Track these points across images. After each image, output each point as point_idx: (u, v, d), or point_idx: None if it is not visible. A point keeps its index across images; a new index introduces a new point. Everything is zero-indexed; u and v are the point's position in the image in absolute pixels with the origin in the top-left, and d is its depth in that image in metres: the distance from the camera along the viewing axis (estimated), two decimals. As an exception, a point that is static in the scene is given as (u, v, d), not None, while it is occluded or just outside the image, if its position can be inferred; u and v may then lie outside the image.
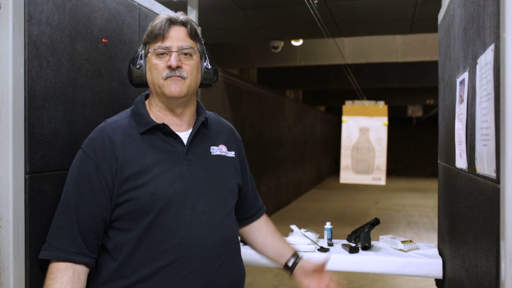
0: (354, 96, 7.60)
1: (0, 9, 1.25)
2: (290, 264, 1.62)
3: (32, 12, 1.31)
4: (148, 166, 1.34)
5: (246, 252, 2.31)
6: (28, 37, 1.30)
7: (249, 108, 7.74)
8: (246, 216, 1.66)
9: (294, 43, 6.84)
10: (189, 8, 2.75)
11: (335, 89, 11.80)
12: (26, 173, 1.30)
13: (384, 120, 5.23)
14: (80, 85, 1.52)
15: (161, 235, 1.32)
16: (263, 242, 1.68)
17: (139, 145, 1.37)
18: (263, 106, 8.56)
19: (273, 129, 9.14)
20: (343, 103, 5.42)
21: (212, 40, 6.14)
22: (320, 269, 1.59)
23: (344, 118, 5.32)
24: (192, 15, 2.73)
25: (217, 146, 1.50)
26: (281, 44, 6.58)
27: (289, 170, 10.38)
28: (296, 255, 1.64)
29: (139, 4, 1.84)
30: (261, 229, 1.69)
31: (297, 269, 1.61)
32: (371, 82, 9.17)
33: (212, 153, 1.47)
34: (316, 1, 3.90)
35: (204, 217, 1.38)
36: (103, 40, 1.62)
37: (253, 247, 1.72)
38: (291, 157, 10.65)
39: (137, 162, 1.34)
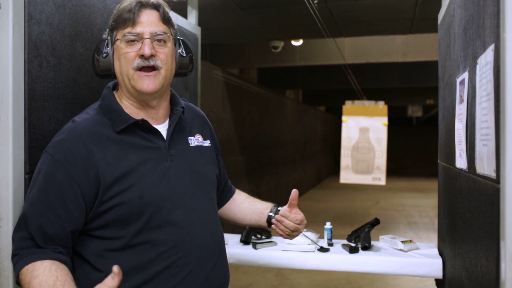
0: (354, 96, 7.60)
1: (0, 9, 1.25)
2: (271, 218, 1.54)
3: (32, 12, 1.31)
4: (131, 167, 1.24)
5: (246, 252, 2.31)
6: (28, 37, 1.30)
7: (249, 108, 7.74)
8: (219, 201, 1.61)
9: (294, 43, 6.84)
10: (189, 8, 2.74)
11: (335, 89, 11.79)
12: (26, 173, 1.30)
13: (384, 120, 5.23)
14: (80, 85, 1.52)
15: (154, 239, 1.24)
16: (240, 209, 1.64)
17: (118, 146, 1.26)
18: (263, 106, 8.56)
19: (273, 129, 9.14)
20: (343, 103, 5.42)
21: (212, 40, 6.14)
22: (293, 211, 1.51)
23: (344, 118, 5.32)
24: (192, 15, 2.73)
25: (194, 136, 1.42)
26: (281, 44, 6.58)
27: (289, 170, 10.37)
28: (275, 207, 1.57)
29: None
30: (235, 200, 1.67)
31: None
32: (371, 82, 9.17)
33: (190, 145, 1.40)
34: (316, 1, 3.90)
35: (195, 214, 1.31)
36: (103, 40, 1.62)
37: (234, 220, 1.67)
38: (291, 157, 10.64)
39: (119, 164, 1.23)
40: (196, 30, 2.60)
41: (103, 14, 1.63)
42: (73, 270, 1.25)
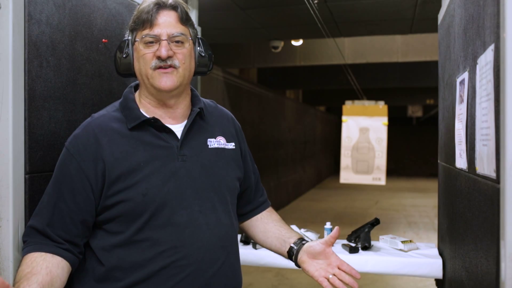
0: (354, 96, 7.60)
1: (0, 9, 1.25)
2: (293, 250, 1.41)
3: (32, 12, 1.31)
4: (138, 164, 1.25)
5: (246, 252, 2.31)
6: (28, 37, 1.30)
7: (249, 108, 7.74)
8: (245, 211, 1.54)
9: (294, 43, 6.84)
10: (189, 8, 2.75)
11: (335, 89, 11.81)
12: (26, 173, 1.30)
13: (384, 120, 5.23)
14: (80, 85, 1.52)
15: (155, 238, 1.24)
16: (264, 229, 1.52)
17: (128, 142, 1.27)
18: (263, 106, 8.56)
19: (273, 129, 9.14)
20: (343, 103, 5.42)
21: (212, 40, 6.14)
22: (327, 249, 1.36)
23: (344, 118, 5.32)
24: (192, 15, 2.73)
25: (215, 138, 1.39)
26: (281, 44, 6.58)
27: (289, 170, 10.38)
28: (300, 240, 1.43)
29: (139, 4, 1.83)
30: (262, 218, 1.54)
31: (301, 256, 1.39)
32: (371, 82, 9.17)
33: (209, 146, 1.36)
34: (316, 1, 3.90)
35: (201, 217, 1.29)
36: (103, 40, 1.62)
37: (255, 239, 1.56)
38: (291, 157, 10.65)
39: (126, 160, 1.25)
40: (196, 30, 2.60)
41: (103, 14, 1.63)
42: (84, 262, 1.29)
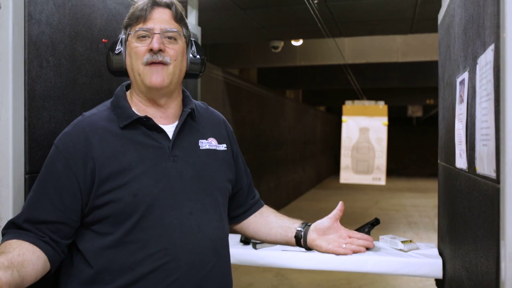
0: (354, 96, 7.60)
1: (0, 9, 1.25)
2: (300, 233, 1.47)
3: (32, 12, 1.31)
4: (129, 164, 1.23)
5: (246, 252, 2.30)
6: (28, 37, 1.30)
7: (249, 108, 7.74)
8: (237, 213, 1.54)
9: (294, 43, 6.85)
10: (189, 8, 2.74)
11: (335, 89, 11.80)
12: (26, 173, 1.30)
13: (384, 120, 5.23)
14: (80, 85, 1.52)
15: (144, 240, 1.22)
16: (265, 222, 1.54)
17: (119, 141, 1.26)
18: (263, 106, 8.56)
19: (273, 129, 9.14)
20: (343, 103, 5.42)
21: (212, 40, 6.14)
22: (335, 223, 1.48)
23: (344, 118, 5.32)
24: (192, 15, 2.73)
25: (206, 140, 1.38)
26: (281, 44, 6.59)
27: (289, 170, 10.38)
28: (305, 223, 1.49)
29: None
30: (262, 213, 1.57)
31: (310, 235, 1.46)
32: (371, 82, 9.18)
33: (200, 147, 1.35)
34: (316, 1, 3.90)
35: (192, 218, 1.27)
36: (103, 40, 1.62)
37: (258, 234, 1.57)
38: (291, 157, 10.65)
39: (117, 160, 1.23)
40: (196, 30, 2.60)
41: (103, 14, 1.63)
42: (72, 265, 1.26)
